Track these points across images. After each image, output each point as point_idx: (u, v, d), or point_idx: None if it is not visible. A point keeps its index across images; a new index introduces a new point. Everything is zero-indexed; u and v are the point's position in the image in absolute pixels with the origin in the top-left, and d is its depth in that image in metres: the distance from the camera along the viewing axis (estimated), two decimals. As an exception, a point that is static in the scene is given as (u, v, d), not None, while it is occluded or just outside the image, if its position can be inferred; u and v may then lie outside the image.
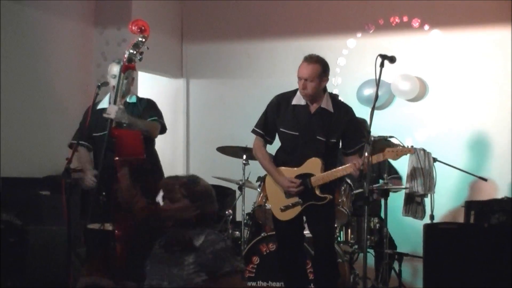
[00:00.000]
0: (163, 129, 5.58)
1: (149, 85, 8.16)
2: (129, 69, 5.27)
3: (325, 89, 5.24)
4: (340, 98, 5.45)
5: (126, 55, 5.21)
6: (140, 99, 5.61)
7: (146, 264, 3.88)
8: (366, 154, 4.78)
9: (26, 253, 5.51)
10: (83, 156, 5.48)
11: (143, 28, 5.24)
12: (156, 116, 5.50)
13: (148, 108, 5.54)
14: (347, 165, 5.14)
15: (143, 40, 5.22)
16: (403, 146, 5.42)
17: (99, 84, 5.33)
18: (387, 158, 5.27)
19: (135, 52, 5.19)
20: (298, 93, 5.23)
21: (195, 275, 3.70)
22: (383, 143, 6.37)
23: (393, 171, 6.65)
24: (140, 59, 5.24)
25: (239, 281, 3.74)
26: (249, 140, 5.56)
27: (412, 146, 5.48)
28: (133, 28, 5.25)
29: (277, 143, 5.41)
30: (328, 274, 5.24)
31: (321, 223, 5.22)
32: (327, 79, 5.21)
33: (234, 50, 8.41)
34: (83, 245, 5.57)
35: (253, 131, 5.36)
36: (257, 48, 8.30)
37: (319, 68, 5.11)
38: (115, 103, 5.19)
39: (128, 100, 5.51)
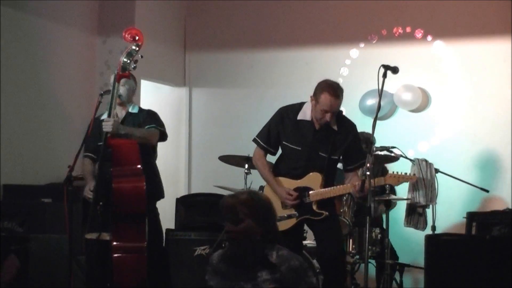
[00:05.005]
0: (163, 136, 5.57)
1: (151, 94, 8.17)
2: (123, 78, 5.20)
3: None
4: (343, 109, 5.44)
5: (120, 64, 5.14)
6: (141, 110, 5.61)
7: (206, 279, 3.73)
8: (368, 165, 4.77)
9: (27, 261, 5.50)
10: (87, 168, 5.50)
11: (136, 36, 5.17)
12: (154, 124, 5.48)
13: (148, 118, 5.53)
14: (347, 185, 5.15)
15: (137, 48, 5.14)
16: (406, 173, 5.38)
17: (102, 92, 5.34)
18: (388, 183, 5.30)
19: (128, 61, 5.11)
20: (304, 108, 5.21)
21: None
22: (383, 156, 6.38)
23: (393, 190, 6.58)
24: (135, 68, 5.16)
25: None
26: (251, 149, 5.55)
27: (414, 174, 5.51)
28: (127, 36, 5.19)
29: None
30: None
31: (330, 237, 5.17)
32: None
33: (237, 59, 8.41)
34: (84, 253, 5.58)
35: (255, 141, 5.35)
36: (260, 58, 8.30)
37: (342, 99, 5.13)
38: (109, 115, 5.14)
39: (130, 110, 5.51)
